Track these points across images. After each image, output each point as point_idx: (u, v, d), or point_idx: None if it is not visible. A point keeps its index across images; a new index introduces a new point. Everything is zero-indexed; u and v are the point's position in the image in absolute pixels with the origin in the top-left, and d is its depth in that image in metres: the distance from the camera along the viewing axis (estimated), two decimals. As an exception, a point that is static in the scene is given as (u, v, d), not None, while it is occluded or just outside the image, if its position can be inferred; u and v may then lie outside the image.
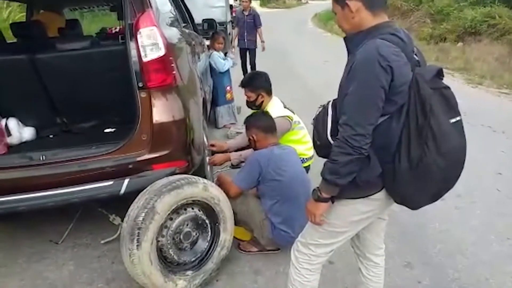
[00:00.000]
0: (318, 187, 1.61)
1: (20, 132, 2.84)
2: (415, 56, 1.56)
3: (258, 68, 7.37)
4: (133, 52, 2.36)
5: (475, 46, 11.24)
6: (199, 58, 4.05)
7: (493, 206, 3.42)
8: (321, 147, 1.64)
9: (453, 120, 1.49)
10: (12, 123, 2.80)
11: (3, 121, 2.79)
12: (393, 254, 2.71)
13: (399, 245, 2.84)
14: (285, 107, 3.41)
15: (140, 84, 2.38)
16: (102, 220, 2.83)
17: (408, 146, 1.46)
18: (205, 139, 3.28)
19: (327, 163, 1.53)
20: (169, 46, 2.47)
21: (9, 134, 2.77)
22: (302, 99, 6.30)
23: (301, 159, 3.31)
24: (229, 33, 12.80)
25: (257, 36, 7.84)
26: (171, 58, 2.46)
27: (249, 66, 8.00)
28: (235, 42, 8.26)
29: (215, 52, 5.32)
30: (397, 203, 1.63)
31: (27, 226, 3.14)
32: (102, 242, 2.85)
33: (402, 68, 1.44)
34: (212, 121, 5.45)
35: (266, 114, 2.89)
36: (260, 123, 2.73)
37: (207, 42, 5.44)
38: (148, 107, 2.41)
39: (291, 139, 3.31)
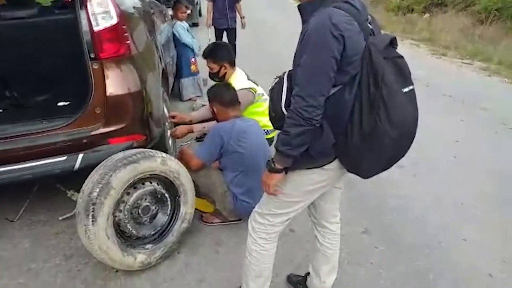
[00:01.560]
0: (272, 158, 1.60)
1: (-34, 106, 2.70)
2: (369, 25, 1.54)
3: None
4: (84, 21, 2.25)
5: (441, 17, 11.40)
6: (159, 28, 3.92)
7: (449, 172, 3.54)
8: (276, 118, 1.61)
9: (405, 90, 1.49)
10: (-43, 97, 2.65)
11: None
12: (351, 221, 2.78)
13: (357, 212, 2.91)
14: (248, 79, 3.37)
15: (92, 55, 2.28)
16: (60, 196, 2.77)
17: (360, 117, 1.46)
18: (165, 112, 3.21)
19: (280, 134, 1.52)
20: (123, 14, 2.36)
21: (-46, 109, 2.62)
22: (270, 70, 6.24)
23: (265, 131, 3.30)
24: (196, 3, 12.45)
25: (236, 13, 6.62)
26: (124, 27, 2.36)
27: None
28: (210, 20, 6.62)
29: (178, 22, 5.16)
30: (349, 171, 1.65)
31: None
32: (60, 218, 2.79)
33: (354, 37, 1.42)
34: (176, 93, 5.35)
35: (229, 86, 2.84)
36: (222, 96, 2.69)
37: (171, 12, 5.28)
38: (101, 79, 2.31)
39: (255, 111, 3.29)
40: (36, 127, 2.38)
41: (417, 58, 7.72)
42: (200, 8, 13.03)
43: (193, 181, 2.55)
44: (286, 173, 1.64)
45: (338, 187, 1.90)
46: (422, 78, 6.06)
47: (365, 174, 1.63)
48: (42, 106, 2.90)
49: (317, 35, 1.41)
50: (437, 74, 6.80)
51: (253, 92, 3.26)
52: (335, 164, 1.61)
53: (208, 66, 3.39)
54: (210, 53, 3.36)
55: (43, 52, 2.60)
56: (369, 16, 1.56)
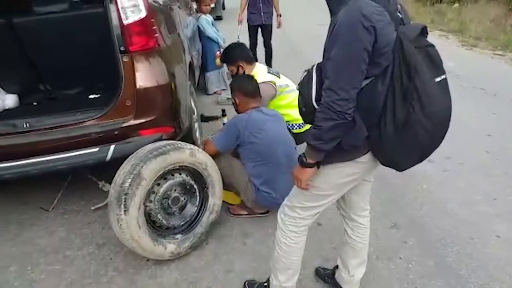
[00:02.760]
0: (303, 153, 1.60)
1: (3, 99, 2.79)
2: (398, 14, 1.51)
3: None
4: (114, 15, 2.29)
5: (471, 7, 11.04)
6: (185, 21, 3.95)
7: (481, 167, 3.45)
8: (306, 113, 1.59)
9: (438, 79, 1.45)
10: (-6, 90, 2.75)
11: (-16, 89, 2.74)
12: (380, 216, 2.75)
13: (387, 207, 2.87)
14: (268, 72, 3.35)
15: (122, 48, 2.32)
16: (92, 187, 2.85)
17: (393, 108, 1.43)
18: (192, 105, 3.24)
19: (311, 128, 1.51)
20: (151, 8, 2.40)
21: (-9, 102, 2.72)
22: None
23: (298, 124, 3.29)
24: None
25: (273, 8, 6.00)
26: (153, 20, 2.39)
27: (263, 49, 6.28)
28: (242, 15, 6.10)
29: (202, 15, 5.18)
30: (384, 165, 1.63)
31: (17, 194, 3.14)
32: (93, 208, 2.87)
33: (385, 28, 1.39)
34: (202, 87, 5.39)
35: (251, 77, 2.84)
36: (244, 86, 2.70)
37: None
38: (131, 71, 2.36)
39: (280, 104, 3.27)
40: (70, 119, 2.45)
41: (447, 49, 7.51)
42: (223, 2, 13.03)
43: None
44: (318, 167, 1.63)
45: (368, 180, 1.88)
46: (452, 70, 5.89)
47: (400, 166, 1.61)
48: (74, 99, 2.98)
49: (347, 27, 1.38)
50: (468, 66, 6.60)
51: (273, 85, 3.23)
52: (367, 156, 1.59)
53: (228, 69, 3.42)
54: (225, 57, 3.38)
55: (74, 46, 2.66)
56: (398, 5, 1.53)
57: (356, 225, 1.97)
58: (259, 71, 3.30)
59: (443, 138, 1.56)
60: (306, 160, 1.58)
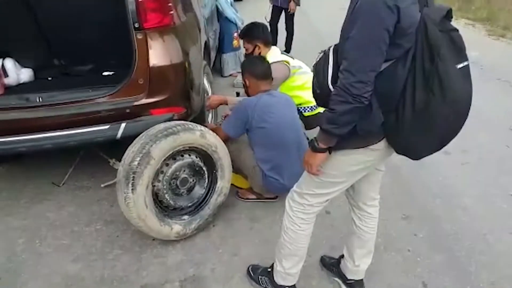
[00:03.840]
0: (315, 137, 1.55)
1: (18, 73, 2.81)
2: None
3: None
4: None
5: (501, -5, 10.63)
6: (203, 0, 3.89)
7: (500, 162, 3.34)
8: (321, 95, 1.53)
9: (460, 65, 1.38)
10: (9, 63, 2.76)
11: (0, 62, 2.74)
12: (392, 206, 2.70)
13: (400, 198, 2.82)
14: (282, 53, 3.29)
15: (136, 25, 2.28)
16: (103, 164, 2.86)
17: (413, 93, 1.37)
18: (207, 86, 3.21)
19: (325, 112, 1.46)
20: (167, -16, 2.34)
21: (6, 75, 2.73)
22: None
23: (310, 107, 3.23)
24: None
25: None
26: (168, -4, 2.34)
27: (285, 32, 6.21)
28: None
29: (222, -5, 5.09)
30: (399, 153, 1.56)
31: (30, 168, 3.18)
32: (102, 186, 2.88)
33: (409, 8, 1.32)
34: (218, 68, 5.34)
35: (263, 59, 2.77)
36: (255, 68, 2.63)
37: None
38: (145, 49, 2.33)
39: (293, 86, 3.20)
40: (83, 95, 2.44)
41: (472, 38, 7.28)
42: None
43: None
44: (330, 153, 1.58)
45: (380, 169, 1.82)
46: (476, 60, 5.71)
47: (416, 154, 1.55)
48: (87, 75, 2.97)
49: (369, 6, 1.32)
50: (493, 57, 6.38)
51: (287, 64, 3.17)
52: (382, 144, 1.54)
53: (244, 47, 3.33)
54: (245, 33, 3.30)
55: (89, 22, 2.64)
56: None
57: (364, 215, 1.92)
58: (273, 53, 3.24)
59: (461, 126, 1.49)
60: (318, 144, 1.53)
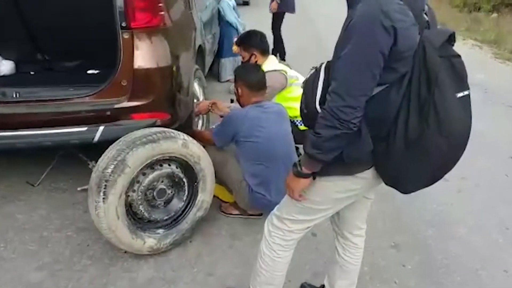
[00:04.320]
0: (299, 161, 1.42)
1: (-3, 64, 2.68)
2: (425, 15, 1.30)
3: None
4: None
5: (511, 19, 10.52)
6: (203, 3, 3.77)
7: (499, 192, 3.20)
8: (308, 116, 1.40)
9: (460, 95, 1.26)
10: (-12, 54, 2.64)
11: (-21, 52, 2.63)
12: (381, 233, 2.55)
13: (390, 224, 2.67)
14: (279, 62, 3.17)
15: (123, 24, 2.16)
16: (83, 166, 2.71)
17: (406, 122, 1.24)
18: (198, 91, 3.08)
19: (310, 135, 1.33)
20: (159, -17, 2.22)
21: (-15, 66, 2.61)
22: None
23: (301, 121, 3.10)
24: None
25: None
26: (159, -4, 2.22)
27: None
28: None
29: (224, -2, 4.99)
30: (387, 184, 1.44)
31: (4, 165, 3.05)
32: (79, 189, 2.75)
33: (408, 30, 1.20)
34: (215, 73, 5.21)
35: (259, 68, 2.64)
36: (249, 77, 2.48)
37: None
38: (130, 50, 2.21)
39: (289, 97, 3.07)
40: (62, 94, 2.33)
41: (478, 60, 7.15)
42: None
43: None
44: (314, 178, 1.44)
45: (368, 197, 1.69)
46: (480, 83, 5.58)
47: (405, 188, 1.43)
48: (71, 72, 2.85)
49: (363, 24, 1.19)
50: (498, 80, 6.25)
51: (284, 74, 3.05)
52: (370, 172, 1.41)
53: (240, 54, 3.21)
54: (242, 41, 3.18)
55: (76, 17, 2.53)
56: (426, 5, 1.32)
57: (349, 244, 1.78)
58: (270, 61, 3.12)
59: (457, 160, 1.36)
60: (301, 169, 1.40)
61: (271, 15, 6.00)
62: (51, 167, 2.88)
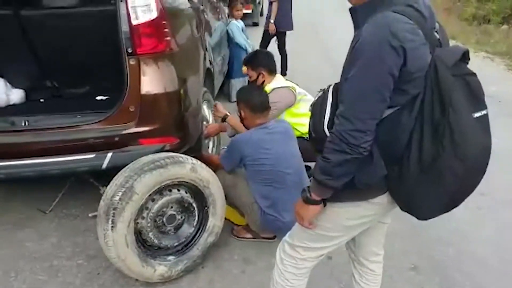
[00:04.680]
0: (308, 187, 1.37)
1: (8, 94, 2.70)
2: (436, 33, 1.26)
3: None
4: (123, 14, 2.14)
5: (521, 29, 10.41)
6: (212, 26, 3.79)
7: (519, 208, 3.08)
8: (316, 140, 1.35)
9: (477, 115, 1.20)
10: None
11: (-10, 82, 2.66)
12: (399, 254, 2.46)
13: (408, 245, 2.58)
14: (286, 80, 3.16)
15: (130, 50, 2.16)
16: (94, 192, 2.69)
17: (419, 145, 1.19)
18: (207, 113, 3.06)
19: (319, 160, 1.28)
20: (164, 9, 2.24)
21: (-5, 96, 2.64)
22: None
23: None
24: (259, 2, 12.31)
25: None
26: (164, 22, 2.23)
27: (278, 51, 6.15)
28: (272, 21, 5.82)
29: (233, 21, 5.02)
30: (402, 210, 1.37)
31: (16, 191, 3.05)
32: (90, 215, 2.72)
33: (418, 50, 1.16)
34: (226, 94, 5.22)
35: (261, 90, 2.62)
36: (252, 99, 2.44)
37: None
38: (137, 75, 2.20)
39: (297, 112, 3.03)
40: (70, 121, 2.32)
41: (491, 72, 7.04)
42: (262, 7, 12.89)
43: None
44: (324, 205, 1.39)
45: (384, 222, 1.62)
46: (494, 95, 5.46)
47: (421, 214, 1.36)
48: (80, 99, 2.87)
49: (371, 45, 1.15)
50: (512, 92, 6.14)
51: (293, 91, 3.02)
52: (384, 198, 1.35)
53: (247, 74, 3.19)
54: (248, 60, 3.18)
55: (84, 44, 2.55)
56: (436, 23, 1.28)
57: (366, 271, 1.71)
58: (277, 79, 3.11)
59: (476, 185, 1.30)
60: (311, 195, 1.34)
61: (290, 41, 6.07)
62: (62, 193, 2.87)
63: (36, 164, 2.20)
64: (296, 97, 3.03)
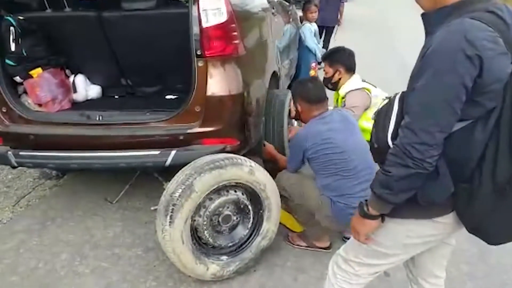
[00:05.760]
0: (366, 200, 1.30)
1: (86, 89, 2.90)
2: None
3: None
4: (194, 16, 2.20)
5: None
6: (281, 29, 3.79)
7: None
8: (378, 151, 1.29)
9: None
10: (79, 80, 2.87)
11: (72, 78, 2.86)
12: (463, 278, 2.28)
13: (474, 268, 2.36)
14: (363, 81, 3.02)
15: (198, 52, 2.22)
16: (159, 186, 2.81)
17: (494, 164, 1.09)
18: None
19: (379, 172, 1.22)
20: (234, 12, 2.26)
21: (75, 91, 2.83)
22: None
23: None
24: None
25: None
26: (233, 25, 2.25)
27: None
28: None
29: (307, 24, 4.98)
30: (469, 232, 1.26)
31: (89, 182, 3.25)
32: (152, 208, 2.83)
33: (496, 59, 1.06)
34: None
35: (315, 81, 2.54)
36: (305, 92, 2.39)
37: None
38: (204, 77, 2.25)
39: (369, 117, 2.88)
40: (139, 118, 2.44)
41: None
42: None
43: (286, 191, 2.37)
44: (383, 220, 1.32)
45: (449, 243, 1.50)
46: None
47: (492, 239, 1.25)
48: (151, 97, 3.00)
49: (443, 54, 1.07)
50: None
51: (368, 92, 2.92)
52: (450, 217, 1.25)
53: (324, 70, 3.13)
54: (328, 56, 3.13)
55: (157, 44, 2.65)
56: None
57: (424, 294, 1.60)
58: (353, 80, 3.00)
59: None
60: (368, 210, 1.28)
61: (355, 38, 6.15)
62: (129, 185, 3.03)
63: (105, 157, 2.34)
64: (372, 100, 2.92)
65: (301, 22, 5.11)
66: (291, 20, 4.57)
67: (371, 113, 2.90)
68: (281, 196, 2.35)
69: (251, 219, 2.28)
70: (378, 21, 11.94)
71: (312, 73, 5.08)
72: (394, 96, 1.30)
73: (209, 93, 2.27)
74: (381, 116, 1.30)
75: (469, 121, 1.12)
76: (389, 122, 1.24)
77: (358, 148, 2.28)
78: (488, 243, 1.27)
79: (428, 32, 1.21)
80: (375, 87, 3.02)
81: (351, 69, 3.03)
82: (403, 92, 1.27)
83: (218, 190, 2.14)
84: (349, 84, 2.95)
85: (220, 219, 2.19)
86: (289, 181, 2.38)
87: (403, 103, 1.23)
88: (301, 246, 2.53)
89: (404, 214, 1.28)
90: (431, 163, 1.11)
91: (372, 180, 1.26)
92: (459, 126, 1.12)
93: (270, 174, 2.30)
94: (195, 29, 2.20)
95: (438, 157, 1.12)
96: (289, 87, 4.77)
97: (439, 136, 1.10)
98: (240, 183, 2.16)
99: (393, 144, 1.19)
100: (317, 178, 2.34)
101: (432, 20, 1.20)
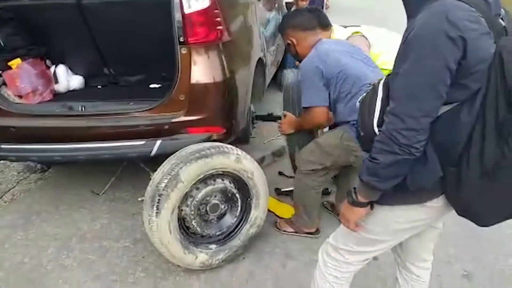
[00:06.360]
0: (354, 188, 1.29)
1: (68, 80, 2.84)
2: (501, 20, 1.13)
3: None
4: (176, 2, 2.15)
5: None
6: (265, 15, 3.75)
7: None
8: (365, 139, 1.27)
9: None
10: (61, 70, 2.81)
11: (52, 68, 2.79)
12: (451, 259, 2.32)
13: (461, 250, 2.41)
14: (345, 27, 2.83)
15: (181, 39, 2.18)
16: (146, 176, 2.78)
17: (481, 147, 1.07)
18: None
19: (366, 160, 1.20)
20: (217, -2, 2.21)
21: (57, 82, 2.77)
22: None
23: None
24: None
25: None
26: (217, 11, 2.22)
27: None
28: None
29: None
30: (459, 215, 1.26)
31: (75, 174, 3.22)
32: (139, 199, 2.80)
33: (480, 40, 1.04)
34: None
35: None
36: (295, 19, 2.23)
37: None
38: (188, 65, 2.22)
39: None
40: (123, 108, 2.39)
41: None
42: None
43: (313, 162, 2.23)
44: (372, 208, 1.31)
45: (436, 226, 1.51)
46: None
47: (481, 221, 1.24)
48: (135, 86, 2.95)
49: (426, 36, 1.05)
50: None
51: (362, 35, 2.72)
52: (440, 201, 1.24)
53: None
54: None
55: (139, 33, 2.60)
56: (501, 9, 1.14)
57: (412, 277, 1.62)
58: (338, 29, 2.78)
59: None
60: (357, 197, 1.27)
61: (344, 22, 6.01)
62: (115, 177, 2.99)
63: (90, 148, 2.30)
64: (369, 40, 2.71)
65: (290, 10, 5.06)
66: (276, 6, 4.53)
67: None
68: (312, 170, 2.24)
69: (239, 207, 2.27)
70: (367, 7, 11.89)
71: (298, 63, 5.05)
72: (378, 82, 1.27)
73: (193, 81, 2.23)
74: (366, 103, 1.27)
75: (454, 104, 1.10)
76: (374, 109, 1.22)
77: (369, 64, 2.18)
78: (478, 225, 1.27)
79: (410, 16, 1.19)
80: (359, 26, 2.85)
81: (326, 25, 2.32)
82: (387, 77, 1.26)
83: (205, 179, 2.13)
84: (336, 35, 2.71)
85: (207, 208, 2.17)
86: (307, 153, 2.26)
87: (387, 88, 1.21)
88: (289, 232, 2.54)
89: (393, 201, 1.27)
90: (418, 148, 1.10)
91: (360, 168, 1.25)
92: (445, 109, 1.11)
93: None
94: (177, 15, 2.16)
95: (425, 142, 1.11)
96: (275, 75, 4.76)
97: (425, 120, 1.08)
98: (227, 171, 2.14)
99: (379, 131, 1.17)
100: (338, 108, 2.14)
101: (413, 2, 1.18)
